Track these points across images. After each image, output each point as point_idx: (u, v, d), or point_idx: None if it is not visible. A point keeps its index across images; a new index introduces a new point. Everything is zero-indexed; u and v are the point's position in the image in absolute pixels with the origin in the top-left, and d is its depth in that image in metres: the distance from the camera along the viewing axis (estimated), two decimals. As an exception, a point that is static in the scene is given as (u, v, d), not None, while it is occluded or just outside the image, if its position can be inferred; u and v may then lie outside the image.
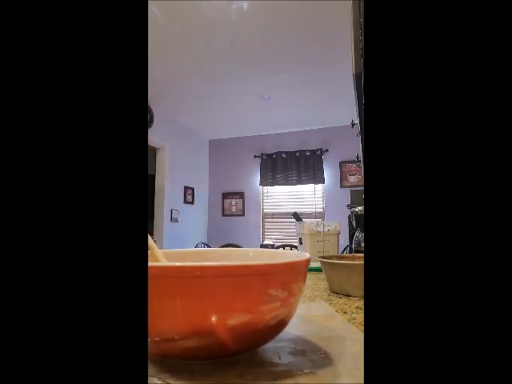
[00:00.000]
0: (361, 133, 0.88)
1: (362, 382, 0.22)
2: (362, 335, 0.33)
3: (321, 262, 0.60)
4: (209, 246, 4.52)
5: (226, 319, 0.23)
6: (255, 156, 4.71)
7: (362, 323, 0.38)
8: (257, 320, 0.24)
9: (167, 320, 0.23)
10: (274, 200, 4.69)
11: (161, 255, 0.34)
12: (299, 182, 4.45)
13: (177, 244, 4.11)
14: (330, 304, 0.48)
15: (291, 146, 4.55)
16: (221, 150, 4.94)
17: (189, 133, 4.50)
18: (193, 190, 4.51)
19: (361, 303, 0.49)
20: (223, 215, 4.84)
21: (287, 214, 4.52)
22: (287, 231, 4.55)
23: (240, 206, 4.74)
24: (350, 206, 1.35)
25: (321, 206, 4.44)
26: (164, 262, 0.33)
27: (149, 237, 0.34)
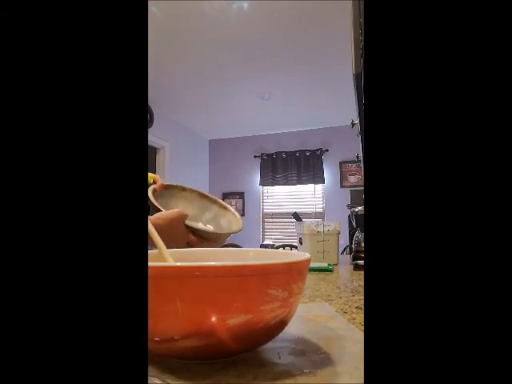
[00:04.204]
0: (361, 133, 0.88)
1: (362, 382, 0.22)
2: (362, 335, 0.32)
3: None
4: (209, 246, 4.50)
5: (226, 319, 0.23)
6: (255, 156, 4.71)
7: (362, 323, 0.38)
8: (257, 320, 0.24)
9: (167, 320, 0.23)
10: (274, 200, 4.68)
11: (168, 255, 0.34)
12: (299, 182, 4.45)
13: (177, 244, 4.10)
14: (330, 304, 0.48)
15: (291, 146, 4.55)
16: (221, 150, 4.94)
17: (189, 133, 4.50)
18: (193, 190, 4.50)
19: (361, 303, 0.49)
20: (223, 215, 4.83)
21: (287, 213, 4.51)
22: (287, 231, 4.54)
23: (240, 206, 4.74)
24: (349, 206, 1.34)
25: (321, 206, 4.44)
26: (164, 262, 0.33)
27: (158, 237, 0.34)
